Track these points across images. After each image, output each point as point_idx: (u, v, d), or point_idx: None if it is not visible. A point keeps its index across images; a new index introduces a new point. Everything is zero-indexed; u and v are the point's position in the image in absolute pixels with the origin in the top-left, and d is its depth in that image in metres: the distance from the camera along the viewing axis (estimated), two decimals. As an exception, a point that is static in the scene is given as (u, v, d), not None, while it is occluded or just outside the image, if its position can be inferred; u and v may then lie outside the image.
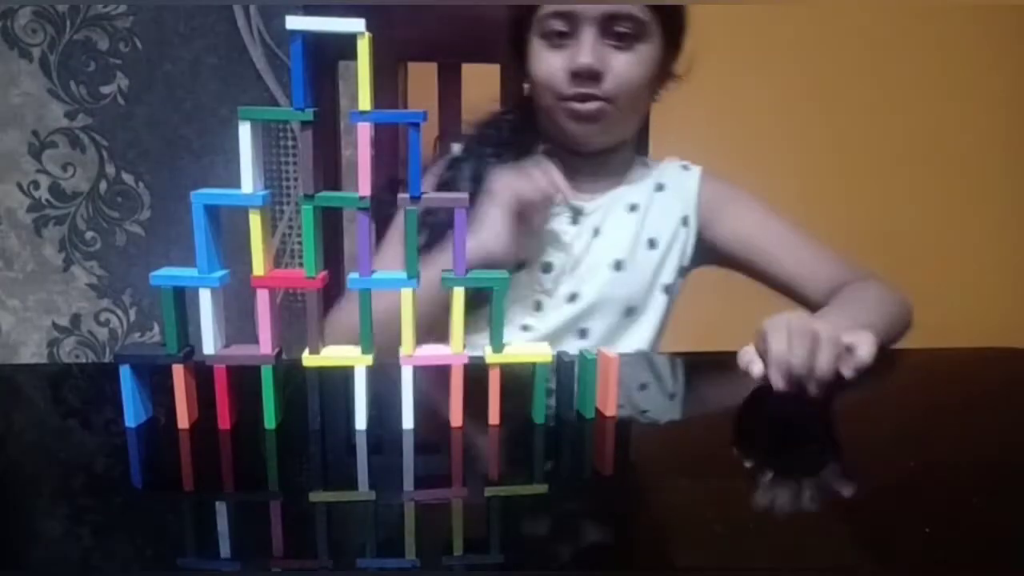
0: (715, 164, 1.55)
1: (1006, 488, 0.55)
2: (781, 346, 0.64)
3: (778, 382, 0.64)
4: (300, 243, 1.48)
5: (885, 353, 0.72)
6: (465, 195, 0.59)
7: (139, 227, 1.53)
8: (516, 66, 0.97)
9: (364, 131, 0.57)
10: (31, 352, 1.57)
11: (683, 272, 0.99)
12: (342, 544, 0.47)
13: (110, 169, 1.50)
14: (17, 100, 1.47)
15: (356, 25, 0.55)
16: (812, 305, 0.89)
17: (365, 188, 0.58)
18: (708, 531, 0.48)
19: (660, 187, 0.99)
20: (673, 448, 0.62)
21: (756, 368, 0.66)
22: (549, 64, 0.89)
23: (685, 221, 0.98)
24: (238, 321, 1.36)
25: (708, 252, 1.00)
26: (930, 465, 0.58)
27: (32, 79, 1.46)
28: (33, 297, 1.55)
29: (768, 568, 0.43)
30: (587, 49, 0.86)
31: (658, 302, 0.96)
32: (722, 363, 0.74)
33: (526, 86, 0.98)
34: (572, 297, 0.94)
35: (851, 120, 1.60)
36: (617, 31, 0.87)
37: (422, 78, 1.08)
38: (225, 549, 0.46)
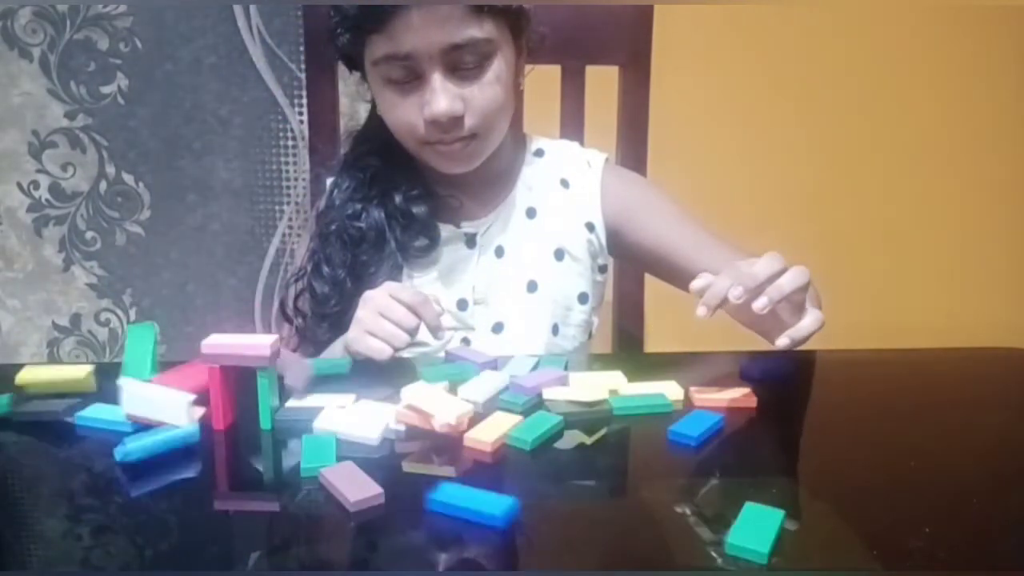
0: (715, 163, 1.56)
1: (1006, 488, 0.55)
2: (763, 265, 0.62)
3: (735, 290, 0.60)
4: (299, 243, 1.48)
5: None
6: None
7: (139, 227, 1.53)
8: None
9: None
10: (31, 352, 1.57)
11: (602, 270, 0.95)
12: (341, 544, 0.47)
13: (110, 169, 1.50)
14: (17, 100, 1.46)
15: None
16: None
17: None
18: (707, 530, 0.48)
19: (564, 183, 0.93)
20: (671, 448, 0.62)
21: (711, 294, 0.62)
22: (402, 112, 0.80)
23: (591, 227, 0.92)
24: (238, 321, 1.36)
25: (621, 253, 0.96)
26: (930, 465, 0.58)
27: (32, 79, 1.46)
28: (33, 297, 1.55)
29: (768, 568, 0.43)
30: (439, 95, 0.77)
31: (577, 313, 0.92)
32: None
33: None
34: (497, 327, 0.89)
35: (852, 120, 1.60)
36: (464, 61, 0.77)
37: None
38: (223, 550, 0.46)
